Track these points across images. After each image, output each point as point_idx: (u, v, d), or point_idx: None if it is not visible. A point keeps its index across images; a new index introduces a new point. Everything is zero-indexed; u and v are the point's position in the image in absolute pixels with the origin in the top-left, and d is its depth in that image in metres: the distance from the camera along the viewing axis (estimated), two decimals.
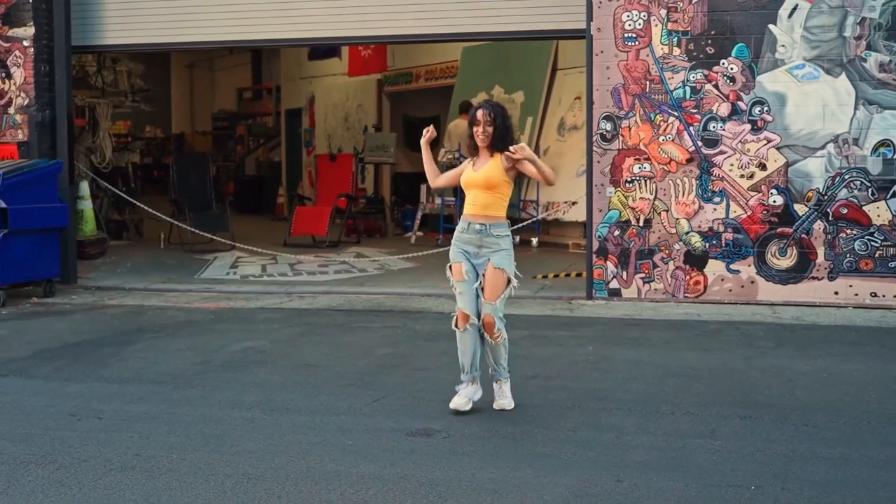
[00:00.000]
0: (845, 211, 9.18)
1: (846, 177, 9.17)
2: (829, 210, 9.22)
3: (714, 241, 9.43)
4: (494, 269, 5.73)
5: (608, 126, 9.61)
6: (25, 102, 11.03)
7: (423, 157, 6.18)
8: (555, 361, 7.14)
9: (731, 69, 9.35)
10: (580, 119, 13.13)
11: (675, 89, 9.45)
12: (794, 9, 9.24)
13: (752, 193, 9.34)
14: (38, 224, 10.07)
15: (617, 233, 9.63)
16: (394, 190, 18.40)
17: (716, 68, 9.37)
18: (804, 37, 9.23)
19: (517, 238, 14.05)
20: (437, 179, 6.15)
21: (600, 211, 9.67)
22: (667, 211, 9.51)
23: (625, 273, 9.63)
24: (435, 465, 4.81)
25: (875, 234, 9.14)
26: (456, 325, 5.81)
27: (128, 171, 17.03)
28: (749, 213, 9.35)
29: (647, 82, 9.50)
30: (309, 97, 21.04)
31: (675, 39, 9.45)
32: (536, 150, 13.89)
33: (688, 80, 9.42)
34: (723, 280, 9.44)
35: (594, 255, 9.71)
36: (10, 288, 10.01)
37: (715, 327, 8.38)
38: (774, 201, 9.30)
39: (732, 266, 9.42)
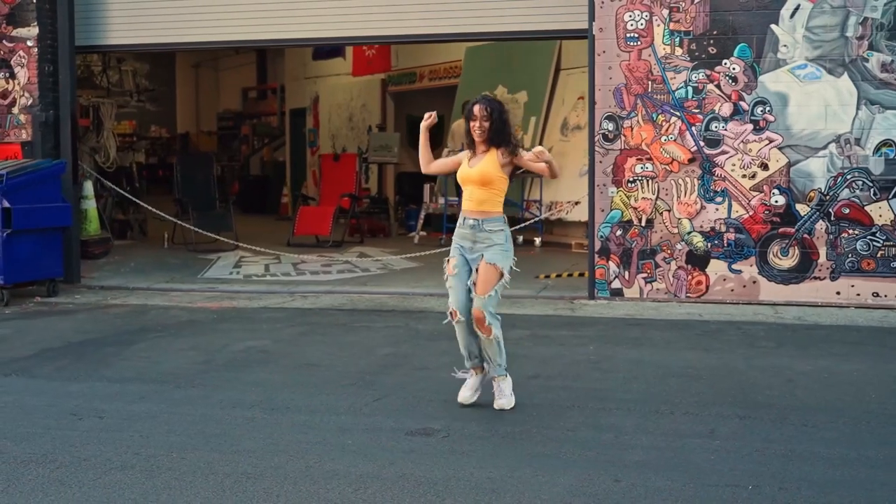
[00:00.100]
0: (847, 211, 9.18)
1: (848, 177, 9.16)
2: (831, 210, 9.21)
3: (716, 241, 9.43)
4: (486, 264, 5.73)
5: (610, 126, 9.61)
6: (29, 102, 11.06)
7: (419, 141, 6.13)
8: (556, 361, 7.15)
9: (734, 69, 9.35)
10: (583, 119, 13.13)
11: (678, 89, 9.45)
12: (797, 9, 9.24)
13: (754, 193, 9.34)
14: (41, 224, 10.10)
15: (619, 233, 9.63)
16: (398, 190, 18.43)
17: (718, 68, 9.37)
18: (806, 37, 9.23)
19: (520, 238, 14.11)
20: (430, 165, 6.12)
21: (602, 211, 9.68)
22: (669, 211, 9.51)
23: (627, 273, 9.64)
24: (433, 465, 4.82)
25: (877, 234, 9.13)
26: (451, 317, 5.86)
27: (132, 170, 17.07)
28: (751, 213, 9.35)
29: (650, 82, 9.51)
30: (313, 97, 21.07)
31: (678, 39, 9.45)
32: None
33: (690, 80, 9.42)
34: (725, 280, 9.44)
35: (596, 255, 9.72)
36: (14, 287, 10.05)
37: (716, 327, 8.38)
38: (776, 201, 9.30)
39: (734, 266, 9.42)
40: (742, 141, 9.33)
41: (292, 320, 8.93)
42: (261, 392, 6.26)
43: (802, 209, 9.27)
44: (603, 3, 9.57)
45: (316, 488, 4.50)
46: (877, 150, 9.13)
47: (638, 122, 9.54)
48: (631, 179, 9.57)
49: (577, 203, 12.63)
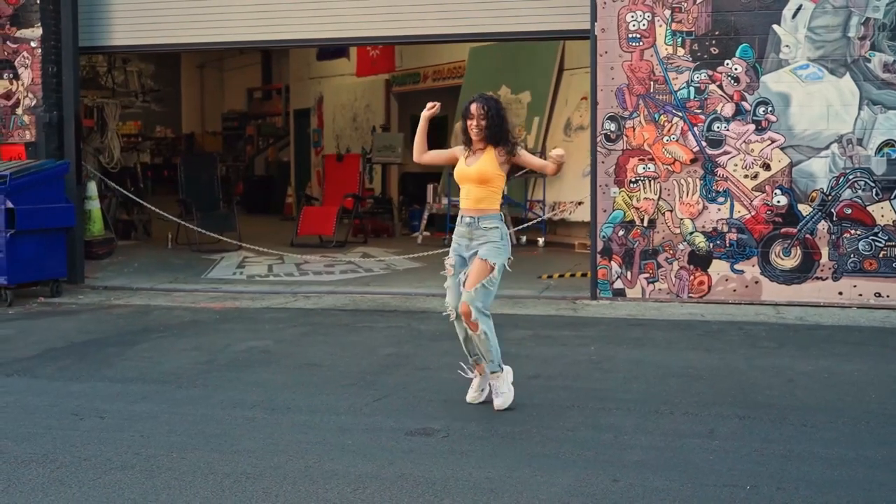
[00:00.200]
0: (849, 211, 9.18)
1: (850, 177, 9.16)
2: (833, 210, 9.21)
3: (718, 242, 9.44)
4: (478, 259, 5.73)
5: (612, 126, 9.62)
6: (33, 103, 11.09)
7: (418, 129, 6.08)
8: (557, 361, 7.15)
9: (736, 69, 9.35)
10: (586, 119, 13.08)
11: (680, 90, 9.45)
12: (799, 9, 9.24)
13: (757, 193, 9.34)
14: (44, 224, 10.13)
15: (621, 233, 9.64)
16: (401, 190, 18.46)
17: (720, 69, 9.38)
18: (808, 37, 9.22)
19: (524, 238, 14.13)
20: (423, 155, 6.09)
21: (605, 211, 9.68)
22: (671, 211, 9.51)
23: (629, 273, 9.64)
24: (433, 465, 4.83)
25: (879, 235, 9.13)
26: (449, 316, 5.92)
27: (136, 171, 17.12)
28: (753, 214, 9.35)
29: (652, 83, 9.51)
30: (317, 97, 21.10)
31: (680, 40, 9.45)
32: (542, 151, 13.91)
33: (692, 81, 9.43)
34: (727, 280, 9.44)
35: (598, 256, 9.72)
36: (18, 288, 10.08)
37: (718, 327, 8.38)
38: (778, 201, 9.30)
39: (736, 266, 9.42)
40: (744, 141, 9.33)
41: (295, 320, 8.95)
42: (262, 392, 6.28)
43: (804, 209, 9.27)
44: (605, 3, 9.58)
45: (315, 488, 4.51)
46: (879, 150, 9.12)
47: (640, 122, 9.55)
48: (633, 180, 9.58)
49: (580, 203, 12.64)
